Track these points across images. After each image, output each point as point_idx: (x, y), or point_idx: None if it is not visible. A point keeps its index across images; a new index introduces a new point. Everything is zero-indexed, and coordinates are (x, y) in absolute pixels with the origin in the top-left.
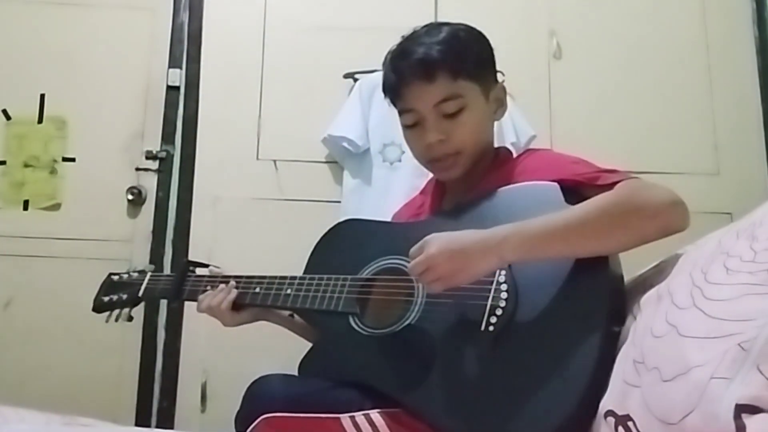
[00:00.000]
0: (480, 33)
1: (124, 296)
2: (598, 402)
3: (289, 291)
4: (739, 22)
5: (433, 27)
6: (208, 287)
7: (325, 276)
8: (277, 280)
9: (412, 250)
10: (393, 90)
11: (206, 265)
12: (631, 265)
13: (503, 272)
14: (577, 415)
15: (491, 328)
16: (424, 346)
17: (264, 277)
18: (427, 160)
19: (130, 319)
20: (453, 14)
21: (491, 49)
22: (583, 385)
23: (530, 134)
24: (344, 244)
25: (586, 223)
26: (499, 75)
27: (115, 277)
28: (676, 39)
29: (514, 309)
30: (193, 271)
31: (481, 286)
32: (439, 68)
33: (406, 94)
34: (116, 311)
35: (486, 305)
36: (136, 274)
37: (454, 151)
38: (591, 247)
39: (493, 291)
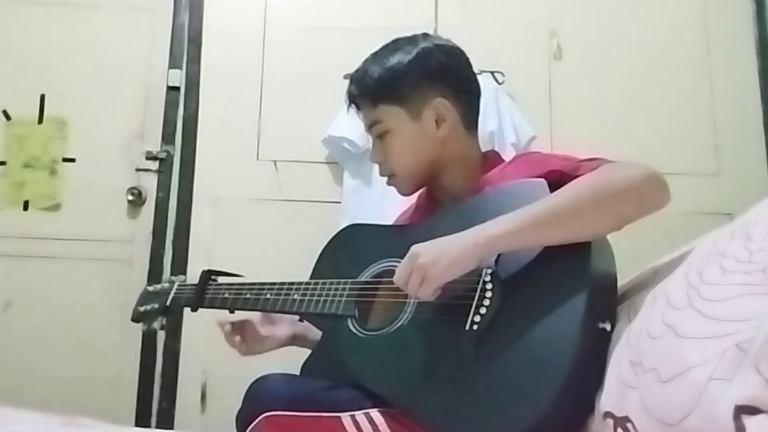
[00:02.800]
0: (423, 52)
1: (156, 305)
2: (588, 397)
3: (296, 296)
4: (739, 23)
5: (380, 51)
6: (227, 294)
7: (329, 280)
8: (285, 286)
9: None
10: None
11: (229, 274)
12: (628, 266)
13: (489, 271)
14: (556, 411)
15: (475, 326)
16: (413, 347)
17: (274, 284)
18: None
19: (162, 327)
20: (453, 15)
21: (435, 66)
22: (559, 379)
23: (530, 135)
24: (346, 249)
25: (558, 207)
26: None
27: (150, 288)
28: (677, 39)
29: (498, 308)
30: (215, 280)
31: (467, 286)
32: (360, 98)
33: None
34: (149, 320)
35: (471, 304)
36: (167, 284)
37: (389, 173)
38: (566, 230)
39: (478, 290)
